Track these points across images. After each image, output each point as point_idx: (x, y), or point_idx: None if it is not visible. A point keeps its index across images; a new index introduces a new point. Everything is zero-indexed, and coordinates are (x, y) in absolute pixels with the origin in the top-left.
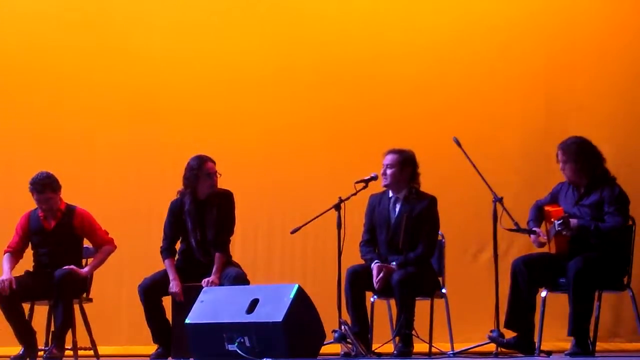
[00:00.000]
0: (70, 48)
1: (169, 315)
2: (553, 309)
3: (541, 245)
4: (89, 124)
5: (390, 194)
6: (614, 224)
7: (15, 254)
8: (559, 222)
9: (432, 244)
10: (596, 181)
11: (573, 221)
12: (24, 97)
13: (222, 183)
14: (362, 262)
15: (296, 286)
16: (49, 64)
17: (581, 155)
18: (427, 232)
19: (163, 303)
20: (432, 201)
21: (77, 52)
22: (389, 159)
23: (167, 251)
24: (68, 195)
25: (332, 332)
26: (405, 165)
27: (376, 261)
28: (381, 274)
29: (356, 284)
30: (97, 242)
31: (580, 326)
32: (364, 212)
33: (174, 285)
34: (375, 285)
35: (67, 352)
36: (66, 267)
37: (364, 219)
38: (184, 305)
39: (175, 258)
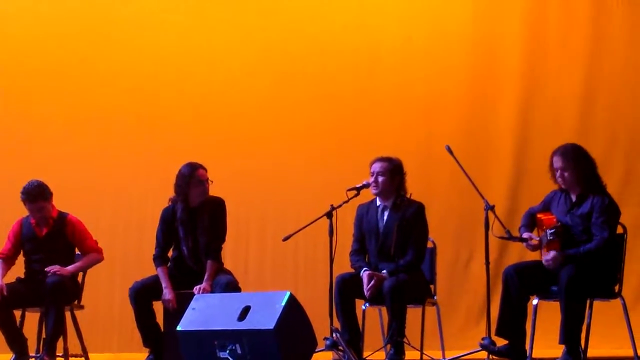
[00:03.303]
0: (63, 55)
1: (159, 319)
2: (544, 316)
3: (534, 248)
4: (81, 131)
5: (378, 203)
6: (599, 241)
7: (7, 261)
8: (551, 231)
9: (422, 250)
10: (588, 189)
11: (557, 256)
12: (15, 104)
13: (214, 190)
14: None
15: (288, 293)
16: (41, 71)
17: (581, 162)
18: (415, 238)
19: (154, 307)
20: (420, 207)
21: (70, 59)
22: (378, 166)
23: (159, 259)
24: (60, 202)
25: (323, 339)
26: (395, 173)
27: (365, 269)
28: (372, 282)
29: (345, 292)
30: (86, 251)
31: (572, 334)
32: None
33: (167, 293)
34: (366, 294)
35: (58, 359)
36: (52, 268)
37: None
38: (175, 312)
39: (167, 265)
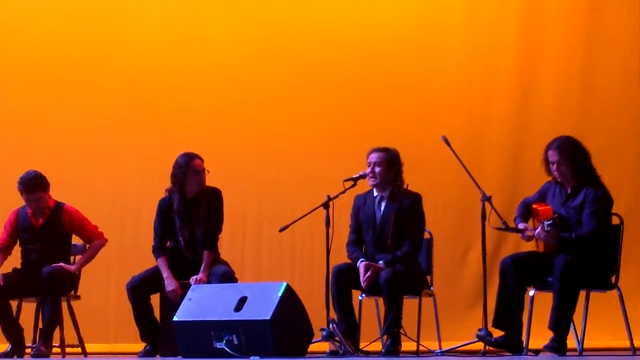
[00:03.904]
0: (60, 48)
1: (156, 313)
2: (541, 307)
3: (530, 239)
4: (78, 121)
5: (375, 193)
6: (589, 229)
7: (4, 251)
8: (549, 222)
9: (418, 241)
10: (583, 180)
11: (553, 233)
12: (11, 94)
13: (211, 181)
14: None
15: (284, 284)
16: (38, 64)
17: (576, 155)
18: (412, 229)
19: (151, 301)
20: (417, 198)
21: (67, 52)
22: (376, 157)
23: (159, 250)
24: (56, 193)
25: (320, 330)
26: (392, 164)
27: (362, 260)
28: (368, 273)
29: (341, 282)
30: (88, 237)
31: (564, 321)
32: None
33: (169, 284)
34: (363, 284)
35: (54, 350)
36: (55, 264)
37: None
38: (173, 303)
39: (167, 256)
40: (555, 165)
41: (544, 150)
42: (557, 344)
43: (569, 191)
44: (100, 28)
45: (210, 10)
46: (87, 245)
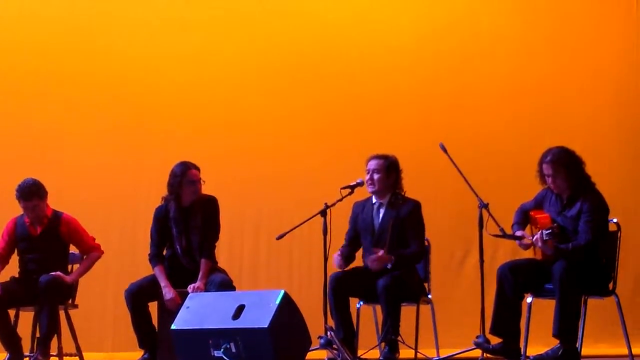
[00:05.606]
0: (57, 55)
1: (154, 320)
2: (539, 315)
3: (527, 247)
4: (74, 129)
5: (374, 200)
6: (586, 240)
7: (1, 260)
8: (547, 232)
9: (423, 243)
10: (578, 190)
11: (552, 244)
12: (6, 102)
13: (207, 188)
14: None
15: (282, 292)
16: (34, 68)
17: (571, 167)
18: (416, 233)
19: (149, 308)
20: (416, 205)
21: (64, 59)
22: (375, 164)
23: (156, 258)
24: (53, 201)
25: (317, 337)
26: (391, 171)
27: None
28: (381, 252)
29: (339, 290)
30: (84, 249)
31: (567, 327)
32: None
33: (167, 293)
34: (370, 264)
35: (52, 359)
36: (52, 273)
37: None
38: (170, 311)
39: (164, 264)
40: (550, 178)
41: (538, 162)
42: (566, 352)
43: (564, 201)
44: (96, 38)
45: (209, 23)
46: (84, 256)
